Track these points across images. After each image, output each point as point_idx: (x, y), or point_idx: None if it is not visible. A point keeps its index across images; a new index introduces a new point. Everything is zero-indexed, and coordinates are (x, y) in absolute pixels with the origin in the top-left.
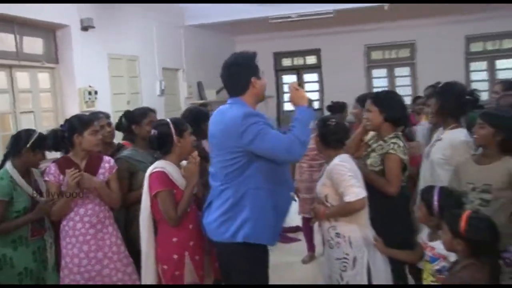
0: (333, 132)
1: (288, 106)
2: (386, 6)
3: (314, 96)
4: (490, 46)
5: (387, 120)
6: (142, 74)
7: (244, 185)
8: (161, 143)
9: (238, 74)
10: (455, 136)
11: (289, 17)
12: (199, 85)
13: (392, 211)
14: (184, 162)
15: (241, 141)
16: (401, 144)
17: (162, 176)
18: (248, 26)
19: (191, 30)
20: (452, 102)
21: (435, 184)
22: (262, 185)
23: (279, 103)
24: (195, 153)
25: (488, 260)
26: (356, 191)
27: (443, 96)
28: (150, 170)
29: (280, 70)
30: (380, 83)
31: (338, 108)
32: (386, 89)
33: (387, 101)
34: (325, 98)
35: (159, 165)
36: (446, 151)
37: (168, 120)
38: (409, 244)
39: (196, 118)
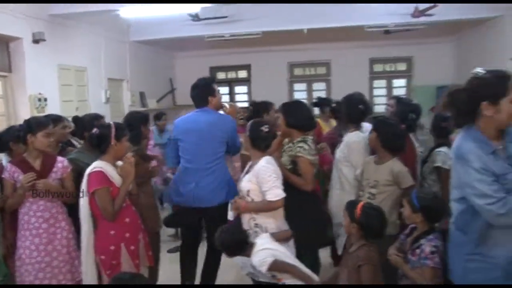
0: (264, 138)
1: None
2: (305, 30)
3: (245, 105)
4: (388, 67)
5: (291, 126)
6: (90, 84)
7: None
8: (99, 142)
9: (200, 93)
10: (351, 138)
11: (223, 36)
12: (142, 95)
13: (306, 205)
14: (120, 162)
15: (228, 133)
16: (306, 147)
17: (99, 175)
18: (187, 43)
19: (136, 45)
20: (349, 110)
21: (340, 178)
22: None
23: None
24: (130, 154)
25: (375, 241)
26: (277, 192)
27: (343, 105)
28: (89, 169)
29: (215, 83)
30: (300, 95)
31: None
32: (305, 101)
33: (291, 110)
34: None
35: (97, 165)
36: (344, 150)
37: (112, 123)
38: (321, 234)
39: (137, 122)
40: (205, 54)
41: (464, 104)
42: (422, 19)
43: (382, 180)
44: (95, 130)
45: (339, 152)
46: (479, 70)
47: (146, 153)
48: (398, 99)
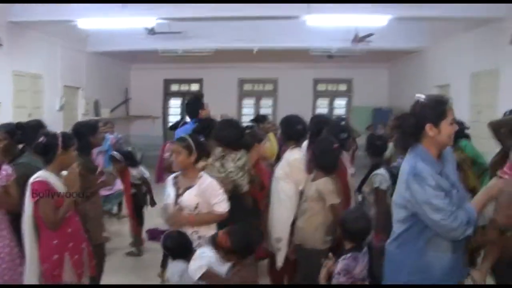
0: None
1: None
2: (255, 49)
3: None
4: (330, 87)
5: (221, 143)
6: (45, 91)
7: None
8: (46, 151)
9: (192, 107)
10: (291, 155)
11: (176, 51)
12: (96, 103)
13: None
14: (65, 172)
15: None
16: (217, 164)
17: (42, 185)
18: (142, 55)
19: (93, 55)
20: (289, 130)
21: (279, 195)
22: None
23: (165, 122)
24: (75, 164)
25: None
26: (226, 206)
27: (283, 125)
28: (32, 179)
29: (168, 95)
30: (248, 110)
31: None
32: (251, 116)
33: (219, 128)
34: None
35: (41, 174)
36: (285, 167)
37: (59, 132)
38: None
39: (85, 131)
40: (160, 67)
41: (411, 126)
42: (361, 45)
43: (310, 197)
44: (42, 138)
45: (279, 169)
46: (420, 95)
47: (93, 164)
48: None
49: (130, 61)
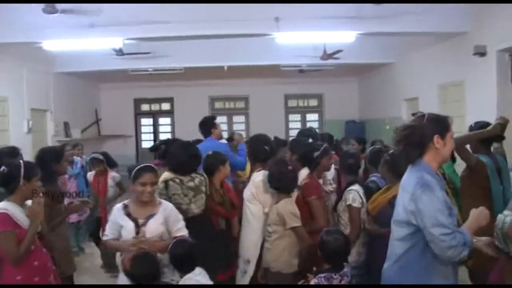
0: None
1: (145, 144)
2: (225, 67)
3: (167, 136)
4: (301, 103)
5: (168, 166)
6: (11, 114)
7: None
8: (7, 182)
9: (205, 127)
10: (257, 177)
11: (146, 70)
12: (66, 125)
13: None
14: (29, 202)
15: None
16: (161, 186)
17: (4, 218)
18: (111, 75)
19: (60, 76)
20: (255, 151)
21: (248, 217)
22: None
23: (137, 142)
24: (39, 194)
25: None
26: (186, 231)
27: (249, 146)
28: None
29: (139, 114)
30: (221, 127)
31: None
32: (225, 132)
33: (170, 152)
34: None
35: (2, 206)
36: (251, 188)
37: (21, 162)
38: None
39: (50, 158)
40: (130, 86)
41: (419, 137)
42: (330, 61)
43: (273, 220)
44: (2, 168)
45: (247, 191)
46: (421, 111)
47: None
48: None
49: (99, 81)
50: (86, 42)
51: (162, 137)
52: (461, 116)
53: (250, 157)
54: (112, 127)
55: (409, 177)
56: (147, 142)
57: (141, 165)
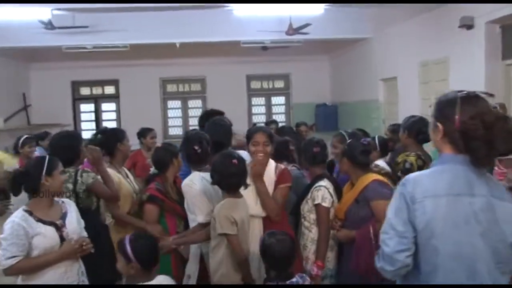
0: None
1: (86, 134)
2: (177, 44)
3: (112, 124)
4: (266, 85)
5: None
6: None
7: None
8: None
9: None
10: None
11: (84, 47)
12: None
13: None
14: None
15: None
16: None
17: None
18: (42, 53)
19: None
20: (187, 151)
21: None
22: None
23: (77, 130)
24: None
25: None
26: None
27: (182, 146)
28: None
29: (78, 99)
30: (174, 113)
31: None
32: (180, 119)
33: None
34: (122, 127)
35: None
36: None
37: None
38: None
39: None
40: (66, 67)
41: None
42: (297, 36)
43: (212, 224)
44: None
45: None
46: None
47: None
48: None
49: (28, 60)
50: (6, 12)
51: (107, 125)
52: None
53: (184, 158)
54: (45, 114)
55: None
56: (88, 132)
57: None
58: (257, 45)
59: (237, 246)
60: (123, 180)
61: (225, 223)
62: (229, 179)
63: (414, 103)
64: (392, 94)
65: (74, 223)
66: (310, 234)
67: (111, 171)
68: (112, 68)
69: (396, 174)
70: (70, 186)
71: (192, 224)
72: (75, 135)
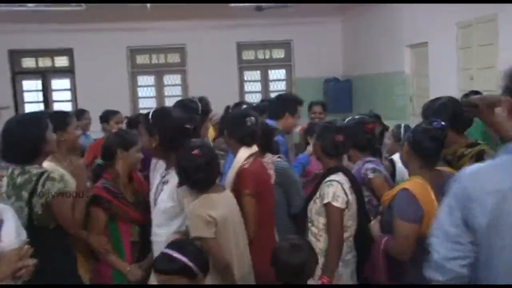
0: None
1: None
2: (148, 5)
3: (66, 106)
4: (261, 55)
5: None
6: None
7: None
8: None
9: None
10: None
11: (24, 5)
12: None
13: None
14: None
15: None
16: None
17: None
18: None
19: None
20: (163, 135)
21: None
22: None
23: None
24: None
25: None
26: None
27: (156, 128)
28: None
29: (19, 73)
30: (146, 92)
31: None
32: (153, 99)
33: None
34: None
35: None
36: None
37: None
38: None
39: None
40: (2, 31)
41: None
42: None
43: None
44: None
45: None
46: None
47: None
48: None
49: None
50: None
51: (58, 107)
52: (491, 67)
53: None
54: None
55: None
56: None
57: None
58: (250, 4)
59: (214, 251)
60: (67, 177)
61: (199, 223)
62: (195, 175)
63: (451, 75)
64: (422, 64)
65: (12, 235)
66: (319, 243)
67: (51, 165)
68: (64, 34)
69: None
70: (25, 194)
71: None
72: (36, 118)
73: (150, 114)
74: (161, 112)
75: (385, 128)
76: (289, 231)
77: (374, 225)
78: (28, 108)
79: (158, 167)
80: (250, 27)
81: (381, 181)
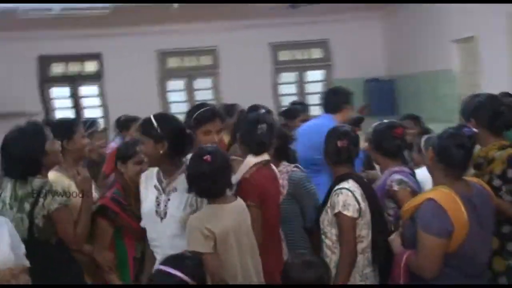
0: None
1: None
2: (175, 5)
3: (96, 113)
4: (298, 55)
5: None
6: None
7: None
8: None
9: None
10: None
11: (49, 10)
12: None
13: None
14: None
15: None
16: None
17: None
18: None
19: None
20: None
21: None
22: None
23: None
24: None
25: None
26: None
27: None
28: None
29: (48, 81)
30: (178, 97)
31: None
32: (184, 104)
33: None
34: (109, 116)
35: None
36: None
37: None
38: None
39: None
40: (28, 38)
41: None
42: None
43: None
44: None
45: None
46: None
47: None
48: None
49: None
50: None
51: (88, 114)
52: None
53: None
54: (4, 101)
55: None
56: None
57: None
58: (284, 3)
59: (212, 267)
60: (72, 188)
61: (196, 237)
62: (200, 182)
63: (501, 73)
64: (471, 61)
65: (6, 250)
66: (334, 256)
67: (57, 175)
68: (92, 39)
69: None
70: (27, 206)
71: None
72: (34, 131)
73: (153, 119)
74: (165, 116)
75: (426, 132)
76: (303, 245)
77: (395, 239)
78: (59, 115)
79: (148, 178)
80: (285, 26)
81: (406, 194)
